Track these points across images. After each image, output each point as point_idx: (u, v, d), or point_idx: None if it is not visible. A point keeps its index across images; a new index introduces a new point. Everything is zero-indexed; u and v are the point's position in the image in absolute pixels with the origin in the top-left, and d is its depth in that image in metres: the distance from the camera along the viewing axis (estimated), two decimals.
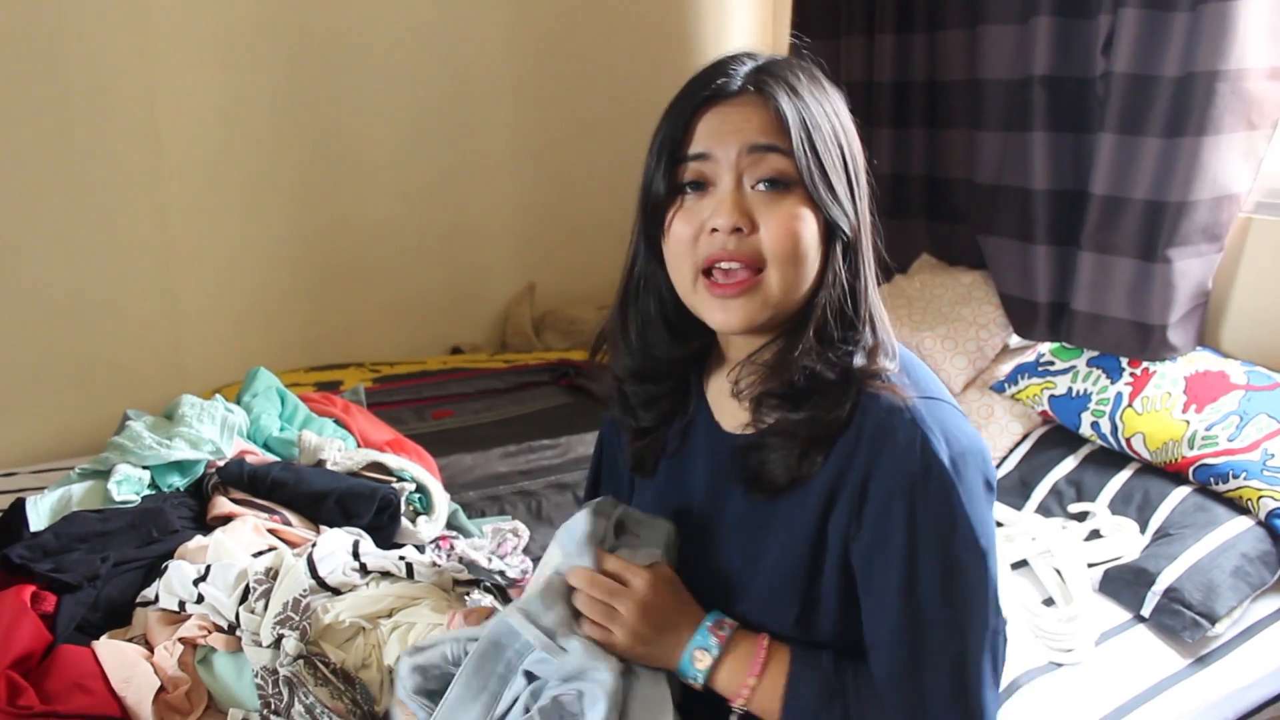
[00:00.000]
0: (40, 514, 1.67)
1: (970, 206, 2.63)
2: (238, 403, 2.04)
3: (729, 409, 1.16)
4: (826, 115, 1.05)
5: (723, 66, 1.07)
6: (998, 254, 2.49)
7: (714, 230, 1.03)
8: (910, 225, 2.89)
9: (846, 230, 1.04)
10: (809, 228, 1.02)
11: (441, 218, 3.27)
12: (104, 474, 1.76)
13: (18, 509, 1.69)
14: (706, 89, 1.06)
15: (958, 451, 1.00)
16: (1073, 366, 2.28)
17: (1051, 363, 2.33)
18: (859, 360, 1.05)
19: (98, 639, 1.47)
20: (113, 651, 1.42)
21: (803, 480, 1.06)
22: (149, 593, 1.53)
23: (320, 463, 1.86)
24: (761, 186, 1.03)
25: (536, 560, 1.94)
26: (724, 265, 1.04)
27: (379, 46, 3.04)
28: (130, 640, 1.49)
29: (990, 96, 2.50)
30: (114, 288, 2.69)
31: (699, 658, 1.06)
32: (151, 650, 1.46)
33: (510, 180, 3.33)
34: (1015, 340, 2.52)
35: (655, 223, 1.09)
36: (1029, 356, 2.42)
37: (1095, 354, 2.28)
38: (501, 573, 1.65)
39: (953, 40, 2.68)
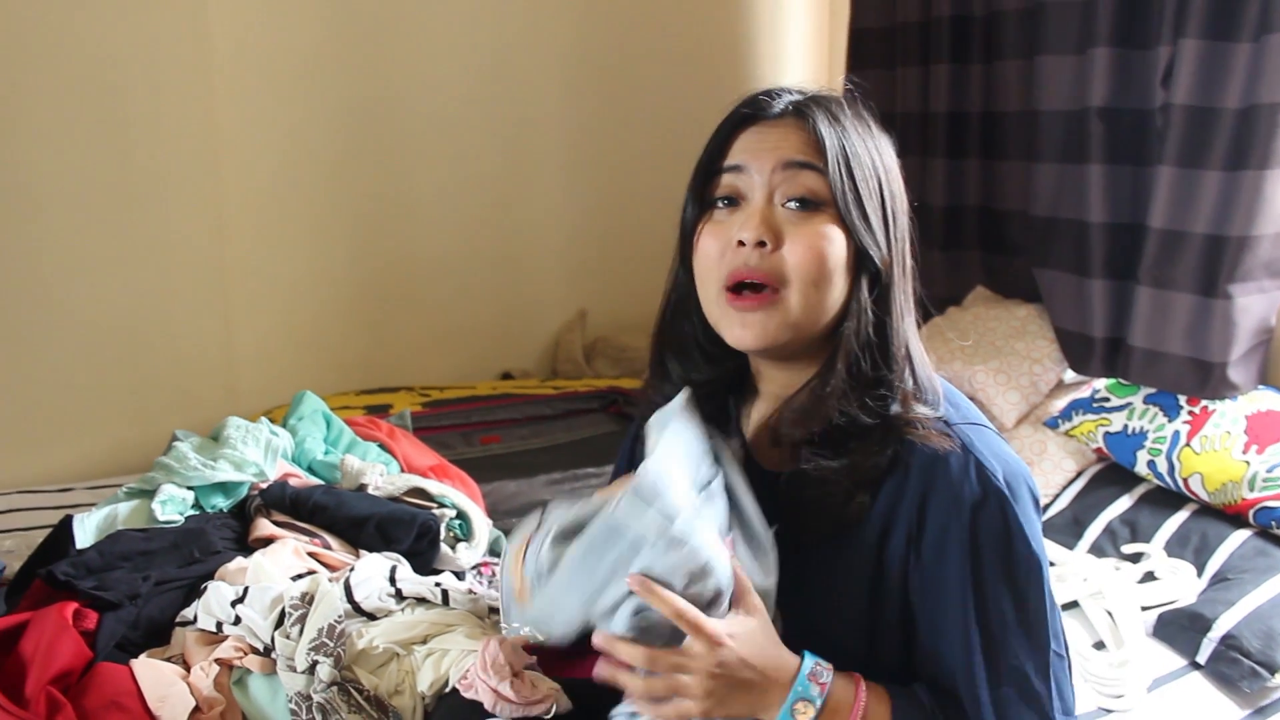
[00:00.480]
0: (86, 531, 1.70)
1: (1026, 239, 2.60)
2: (284, 425, 2.05)
3: (767, 446, 1.15)
4: (868, 148, 1.06)
5: (769, 92, 1.09)
6: (1053, 287, 2.45)
7: (740, 244, 1.03)
8: (965, 257, 2.86)
9: (876, 260, 1.04)
10: (835, 249, 1.03)
11: (495, 244, 3.29)
12: (150, 493, 1.79)
13: (65, 526, 1.72)
14: (749, 108, 1.08)
15: (1010, 473, 1.02)
16: (1129, 403, 2.23)
17: (1107, 399, 2.28)
18: (895, 407, 1.04)
19: (137, 657, 1.48)
20: (150, 670, 1.43)
21: (851, 524, 1.05)
22: (188, 613, 1.54)
23: (362, 487, 1.86)
24: (792, 205, 1.04)
25: None
26: (746, 283, 1.04)
27: (437, 75, 3.07)
28: (168, 659, 1.50)
29: (1047, 128, 2.46)
30: (171, 310, 2.74)
31: (801, 710, 0.98)
32: (188, 670, 1.47)
33: (563, 208, 3.35)
34: (1070, 376, 2.47)
35: (687, 238, 1.11)
36: (1084, 392, 2.37)
37: (1152, 391, 2.23)
38: None
39: (1009, 71, 2.65)
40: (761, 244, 1.03)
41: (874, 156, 1.06)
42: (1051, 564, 2.02)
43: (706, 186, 1.09)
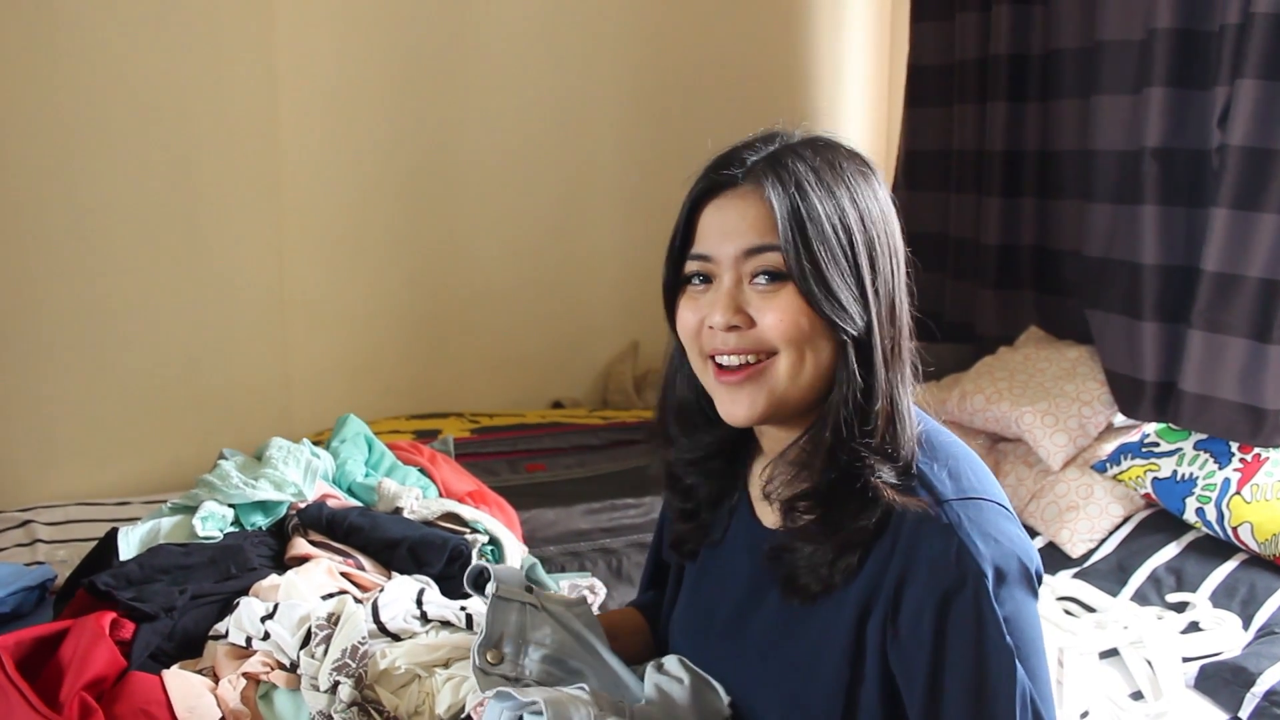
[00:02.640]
0: (130, 544, 1.74)
1: (1079, 279, 2.57)
2: (327, 448, 2.09)
3: (766, 505, 1.14)
4: (835, 211, 1.01)
5: (736, 154, 1.05)
6: (1105, 329, 2.41)
7: (713, 327, 1.04)
8: (1018, 296, 2.83)
9: (848, 328, 1.01)
10: (806, 319, 1.01)
11: (550, 275, 3.33)
12: (193, 509, 1.83)
13: (111, 538, 1.77)
14: (711, 180, 1.06)
15: (1001, 554, 0.97)
16: (1179, 449, 2.19)
17: (1156, 444, 2.24)
18: (883, 471, 1.01)
19: (169, 668, 1.52)
20: (180, 681, 1.46)
21: (837, 587, 1.03)
22: (220, 627, 1.57)
23: (397, 510, 1.89)
24: (760, 280, 1.02)
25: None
26: (730, 361, 1.04)
27: (497, 110, 3.13)
28: (199, 671, 1.53)
29: (1101, 168, 2.44)
30: (231, 334, 2.82)
31: None
32: (218, 682, 1.50)
33: (618, 240, 3.38)
34: (1120, 419, 2.43)
35: (670, 308, 1.11)
36: (1133, 436, 2.33)
37: (1203, 437, 2.19)
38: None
39: (1065, 110, 2.64)
40: (734, 327, 1.02)
41: (841, 216, 1.01)
42: (1092, 609, 1.99)
43: (679, 262, 1.08)
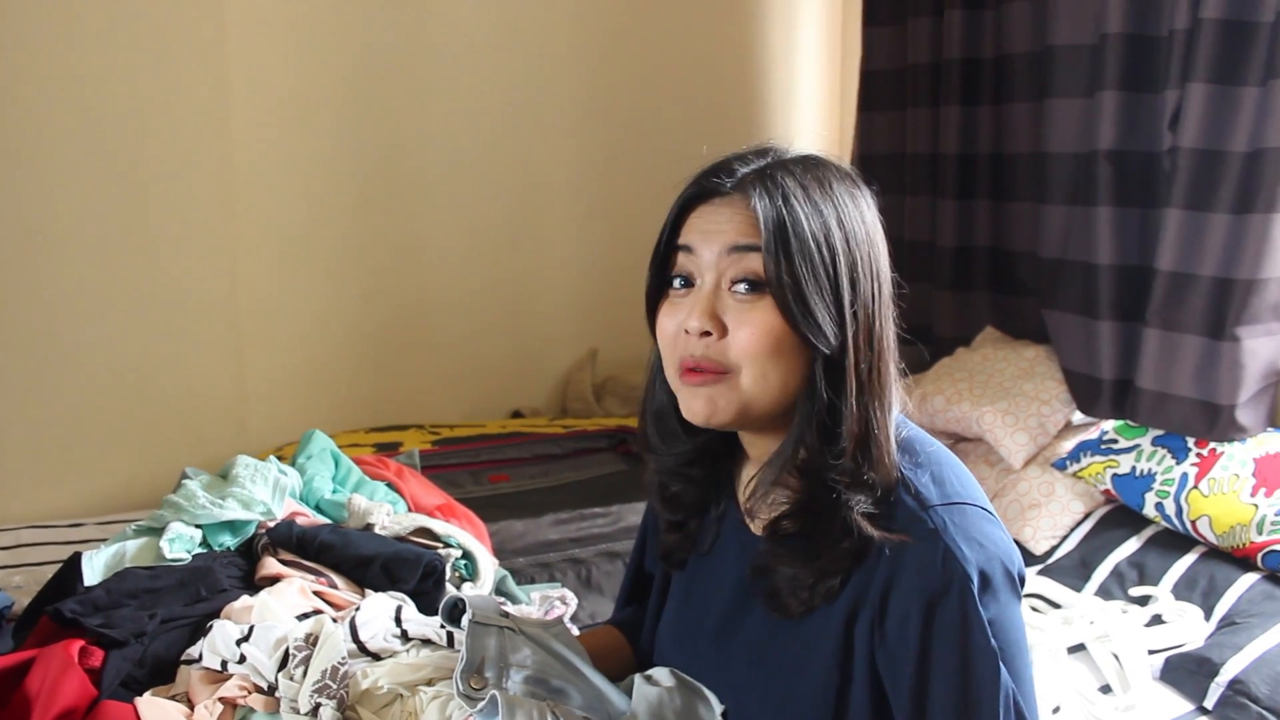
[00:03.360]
0: (95, 569, 1.70)
1: (1035, 280, 2.61)
2: (292, 464, 2.06)
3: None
4: (820, 229, 1.01)
5: (727, 164, 1.06)
6: (1061, 329, 2.45)
7: (688, 331, 1.04)
8: (975, 298, 2.87)
9: (822, 346, 1.00)
10: (780, 334, 1.01)
11: (507, 284, 3.31)
12: (158, 531, 1.79)
13: (74, 563, 1.72)
14: (700, 187, 1.06)
15: (986, 558, 0.98)
16: (1137, 445, 2.23)
17: (1115, 441, 2.28)
18: (857, 500, 1.01)
19: (141, 695, 1.48)
20: (154, 709, 1.43)
21: (818, 608, 1.04)
22: (193, 651, 1.54)
23: (369, 526, 1.87)
24: (740, 289, 1.02)
25: (584, 628, 1.93)
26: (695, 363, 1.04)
27: (451, 119, 3.11)
28: (173, 697, 1.50)
29: (1056, 170, 2.48)
30: (184, 349, 2.76)
31: None
32: (192, 708, 1.47)
33: (575, 248, 3.38)
34: (1078, 417, 2.47)
35: (652, 312, 1.11)
36: (1092, 434, 2.37)
37: (1160, 433, 2.23)
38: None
39: (1019, 113, 2.68)
40: (707, 333, 1.02)
41: (824, 236, 1.01)
42: (1057, 606, 2.02)
43: (664, 264, 1.09)
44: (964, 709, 0.96)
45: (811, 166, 1.05)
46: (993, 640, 0.96)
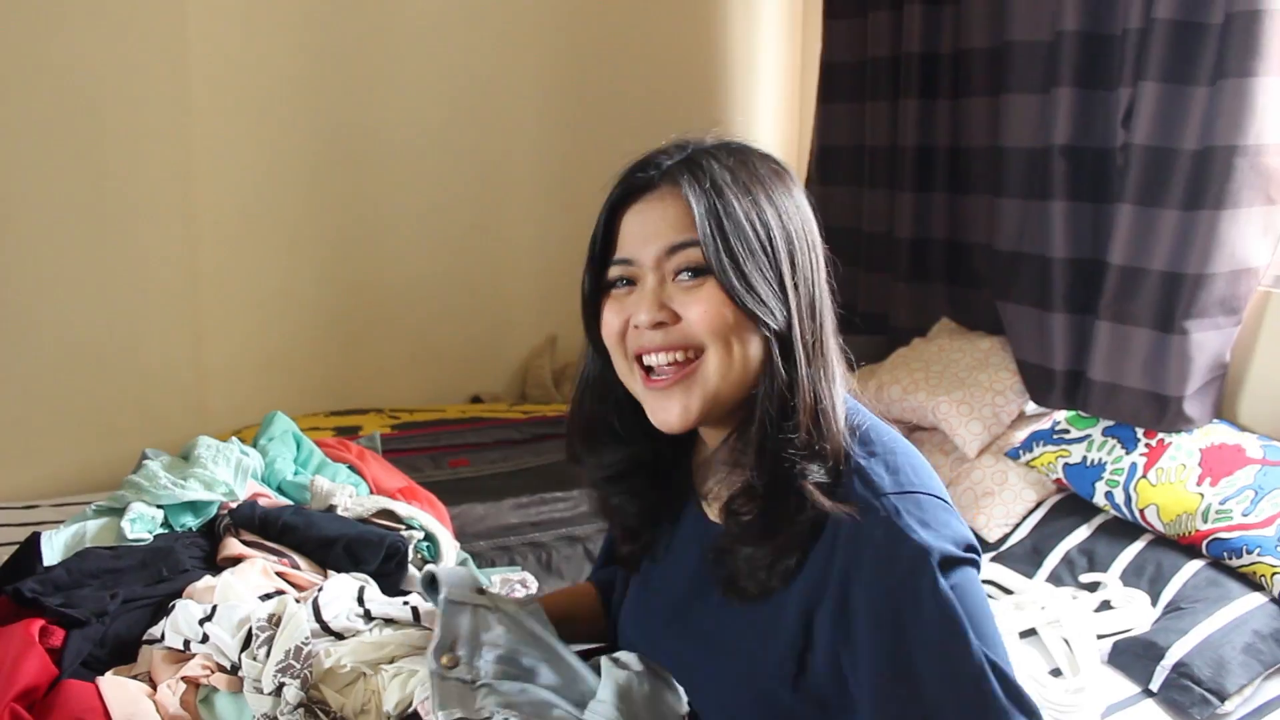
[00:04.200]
0: (54, 549, 1.69)
1: (990, 272, 2.64)
2: (254, 445, 2.06)
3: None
4: (747, 207, 1.03)
5: (651, 159, 1.08)
6: (1016, 320, 2.49)
7: (638, 325, 1.05)
8: (931, 289, 2.90)
9: (769, 322, 1.03)
10: (730, 311, 1.03)
11: (467, 268, 3.31)
12: (119, 511, 1.78)
13: (32, 543, 1.71)
14: (627, 185, 1.08)
15: (939, 540, 0.99)
16: (1088, 435, 2.27)
17: (1067, 431, 2.32)
18: (811, 470, 1.03)
19: (103, 675, 1.48)
20: (116, 688, 1.43)
21: (775, 590, 1.05)
22: (155, 631, 1.54)
23: (331, 508, 1.87)
24: (684, 277, 1.05)
25: None
26: (659, 360, 1.05)
27: (413, 99, 3.10)
28: (135, 677, 1.50)
29: (1012, 164, 2.52)
30: (141, 328, 2.74)
31: None
32: (155, 687, 1.47)
33: (536, 234, 3.38)
34: (1031, 407, 2.51)
35: (590, 317, 1.12)
36: (1044, 424, 2.41)
37: (1111, 424, 2.28)
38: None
39: (976, 108, 2.71)
40: (660, 323, 1.04)
41: (760, 215, 1.04)
42: (1009, 592, 2.06)
43: (601, 270, 1.10)
44: (950, 680, 0.97)
45: (734, 151, 1.08)
46: (960, 611, 0.97)
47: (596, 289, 1.12)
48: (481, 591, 1.31)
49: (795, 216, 1.07)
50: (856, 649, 1.00)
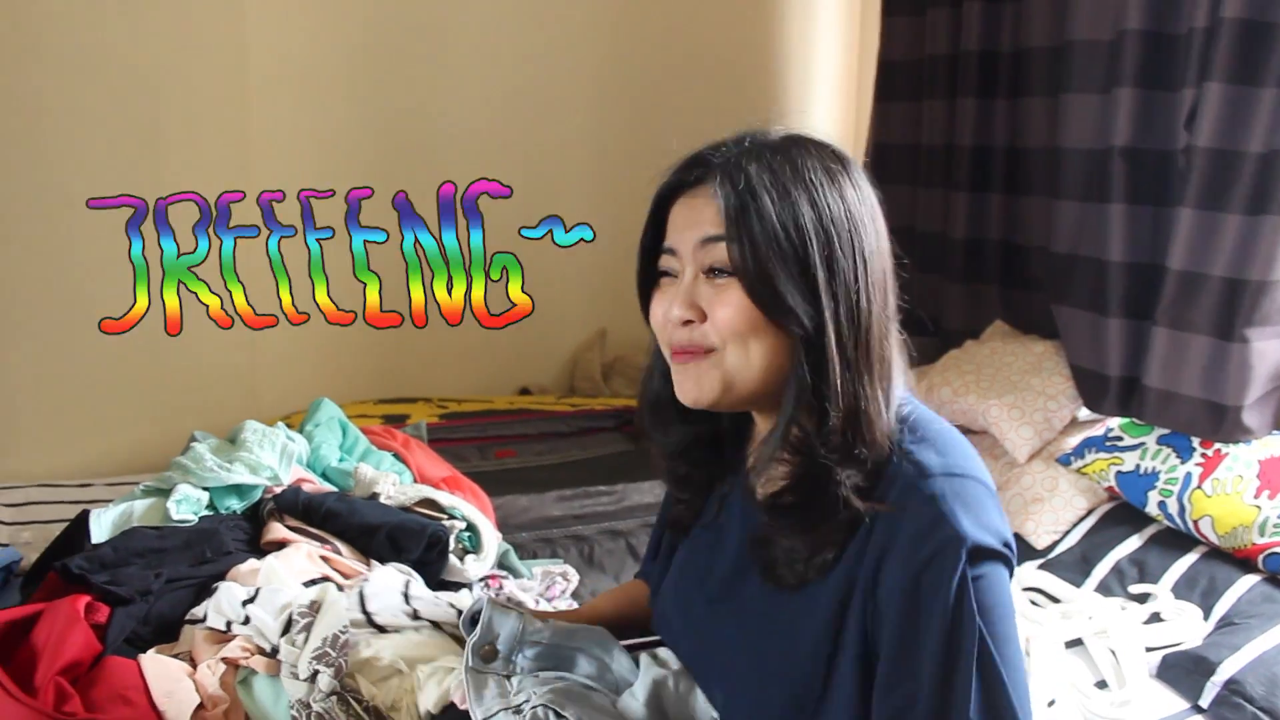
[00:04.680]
0: (102, 527, 1.73)
1: (1045, 275, 2.60)
2: (301, 431, 2.08)
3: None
4: (786, 209, 1.02)
5: (704, 154, 1.09)
6: (1070, 325, 2.45)
7: (670, 320, 1.08)
8: (984, 291, 2.86)
9: (795, 328, 1.02)
10: (754, 314, 1.04)
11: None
12: (165, 492, 1.81)
13: (82, 521, 1.75)
14: (678, 179, 1.10)
15: (979, 530, 0.98)
16: (1142, 443, 2.23)
17: (1120, 438, 2.28)
18: (847, 476, 1.02)
19: (145, 652, 1.50)
20: (157, 666, 1.45)
21: (811, 582, 1.06)
22: (198, 611, 1.56)
23: (374, 496, 1.89)
24: (716, 274, 1.06)
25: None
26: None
27: (463, 88, 3.11)
28: (176, 656, 1.52)
29: (1070, 165, 2.47)
30: (197, 313, 2.77)
31: None
32: (195, 666, 1.49)
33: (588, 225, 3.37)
34: (1084, 413, 2.47)
35: (644, 305, 1.15)
36: (1097, 431, 2.37)
37: (1166, 432, 2.23)
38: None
39: (1034, 107, 2.67)
40: (687, 321, 1.06)
41: (792, 218, 1.02)
42: (1057, 600, 2.03)
43: (652, 259, 1.13)
44: (946, 672, 0.97)
45: (786, 149, 1.07)
46: (973, 605, 0.97)
47: (648, 277, 1.14)
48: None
49: (842, 220, 1.04)
50: (880, 617, 1.01)
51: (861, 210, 1.06)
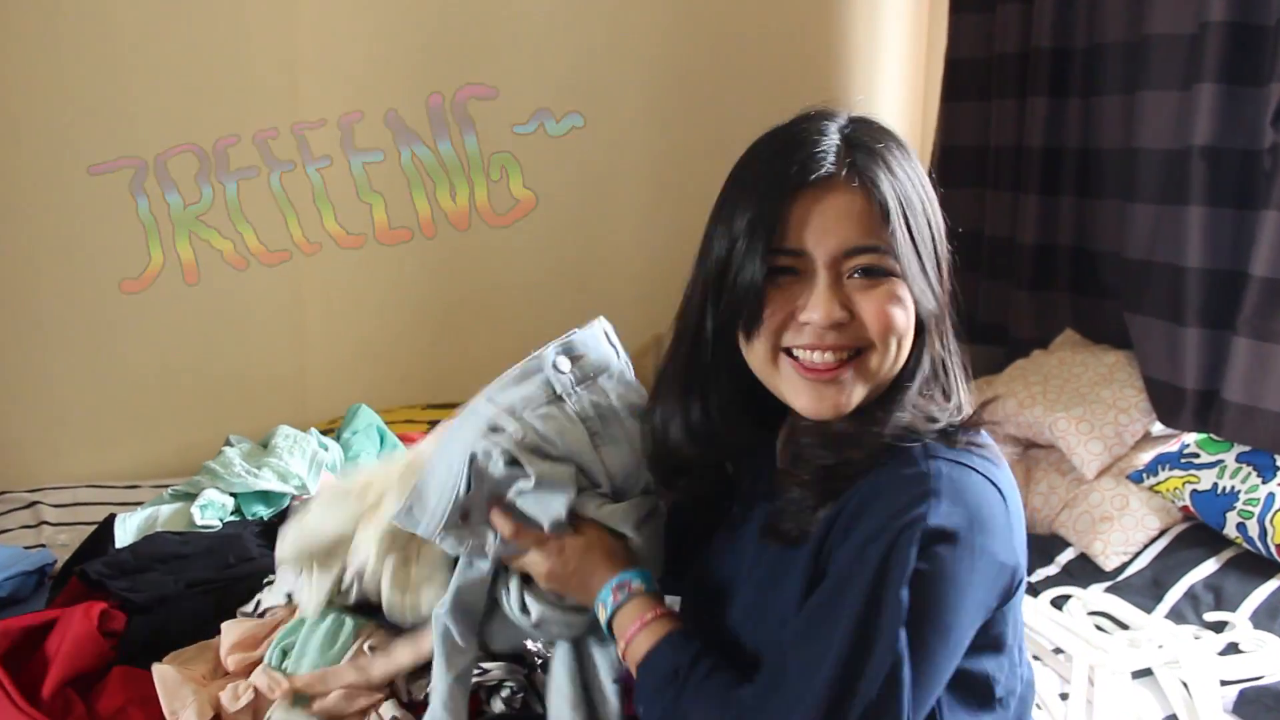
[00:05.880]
0: (127, 531, 1.71)
1: (1118, 282, 2.49)
2: (337, 438, 2.04)
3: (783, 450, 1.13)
4: (917, 190, 1.01)
5: (809, 141, 1.00)
6: (1145, 334, 2.33)
7: (811, 322, 0.99)
8: (1054, 298, 2.76)
9: (934, 309, 1.02)
10: (907, 311, 1.00)
11: (571, 266, 3.27)
12: (193, 497, 1.79)
13: (108, 525, 1.73)
14: (797, 169, 0.99)
15: (957, 519, 0.93)
16: (1220, 461, 2.11)
17: (1196, 455, 2.16)
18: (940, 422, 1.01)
19: (162, 659, 1.47)
20: (168, 677, 1.41)
21: (810, 538, 1.01)
22: (248, 607, 1.51)
23: None
24: (859, 275, 1.00)
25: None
26: (826, 358, 1.00)
27: (520, 97, 3.07)
28: (200, 657, 1.47)
29: (1146, 166, 2.36)
30: (245, 317, 2.78)
31: (599, 609, 1.13)
32: (219, 668, 1.45)
33: (642, 233, 3.31)
34: (1158, 428, 2.35)
35: (747, 306, 1.02)
36: (1172, 446, 2.25)
37: (1246, 449, 2.11)
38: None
39: (1108, 106, 2.56)
40: (840, 323, 0.99)
41: (922, 194, 1.02)
42: (1125, 627, 1.91)
43: (764, 259, 1.00)
44: (859, 640, 0.91)
45: (885, 132, 1.04)
46: (904, 591, 0.91)
47: (757, 266, 1.03)
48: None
49: (934, 197, 1.05)
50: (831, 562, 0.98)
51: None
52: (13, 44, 2.40)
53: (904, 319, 1.00)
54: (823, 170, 0.98)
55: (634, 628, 1.10)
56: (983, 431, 1.06)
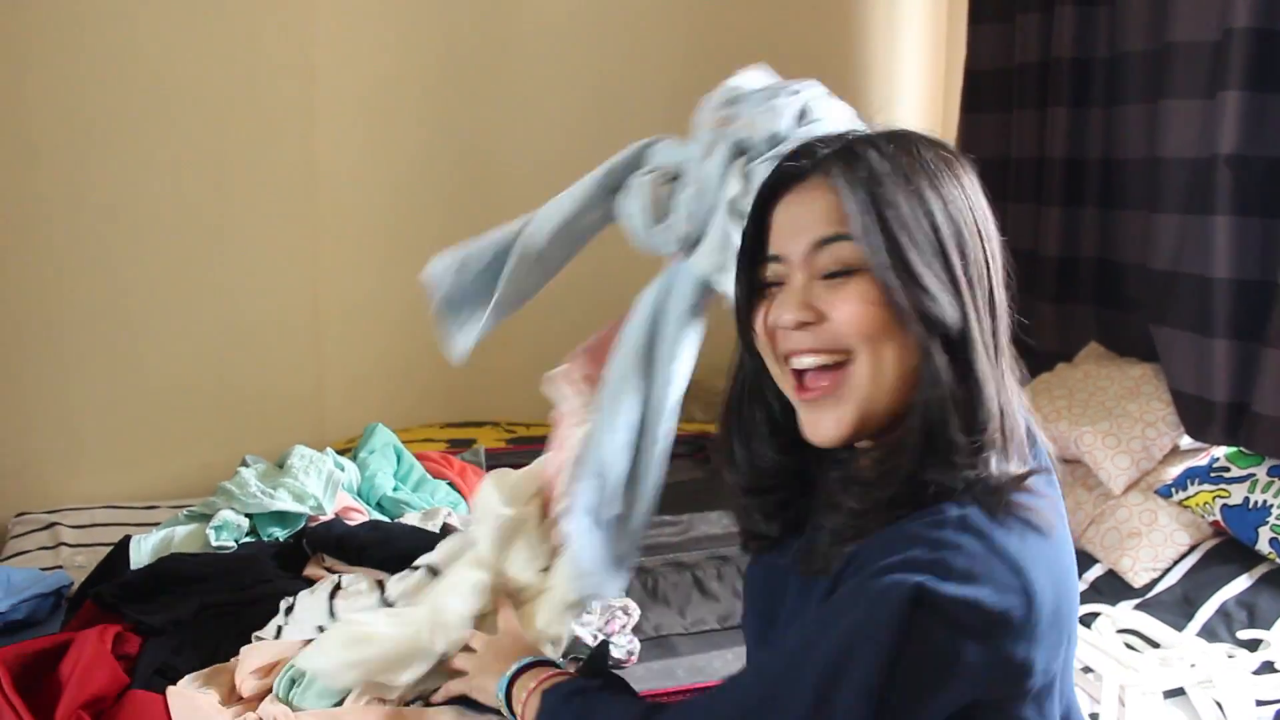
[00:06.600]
0: (142, 553, 1.69)
1: (1144, 294, 2.44)
2: (354, 458, 2.03)
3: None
4: (914, 197, 0.93)
5: (806, 148, 0.99)
6: (1171, 346, 2.29)
7: (782, 326, 0.97)
8: (1078, 311, 2.71)
9: (943, 317, 0.92)
10: (880, 311, 0.93)
11: (589, 282, 3.25)
12: (209, 517, 1.77)
13: (124, 547, 1.71)
14: (779, 175, 0.99)
15: (960, 600, 0.84)
16: (1251, 475, 2.06)
17: (1227, 469, 2.12)
18: (994, 467, 0.92)
19: (177, 681, 1.45)
20: (183, 701, 1.40)
21: (827, 574, 0.96)
22: (265, 631, 1.50)
23: (446, 528, 1.82)
24: (832, 276, 0.96)
25: (645, 641, 1.85)
26: (807, 363, 0.97)
27: (534, 105, 3.07)
28: (216, 680, 1.46)
29: (1170, 176, 2.32)
30: (264, 336, 2.77)
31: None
32: (231, 691, 1.43)
33: None
34: (1186, 442, 2.30)
35: (744, 322, 1.03)
36: (1201, 460, 2.21)
37: (1278, 463, 2.06)
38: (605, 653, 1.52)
39: (1131, 115, 2.52)
40: (804, 324, 0.96)
41: (919, 204, 0.93)
42: (1155, 645, 1.87)
43: (755, 270, 1.01)
44: (822, 674, 0.87)
45: (896, 137, 0.98)
46: (871, 658, 0.84)
47: (750, 288, 1.03)
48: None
49: (964, 206, 0.96)
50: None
51: (978, 197, 0.98)
52: (34, 69, 2.41)
53: (877, 317, 0.93)
54: (798, 173, 0.98)
55: (526, 693, 1.21)
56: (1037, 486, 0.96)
